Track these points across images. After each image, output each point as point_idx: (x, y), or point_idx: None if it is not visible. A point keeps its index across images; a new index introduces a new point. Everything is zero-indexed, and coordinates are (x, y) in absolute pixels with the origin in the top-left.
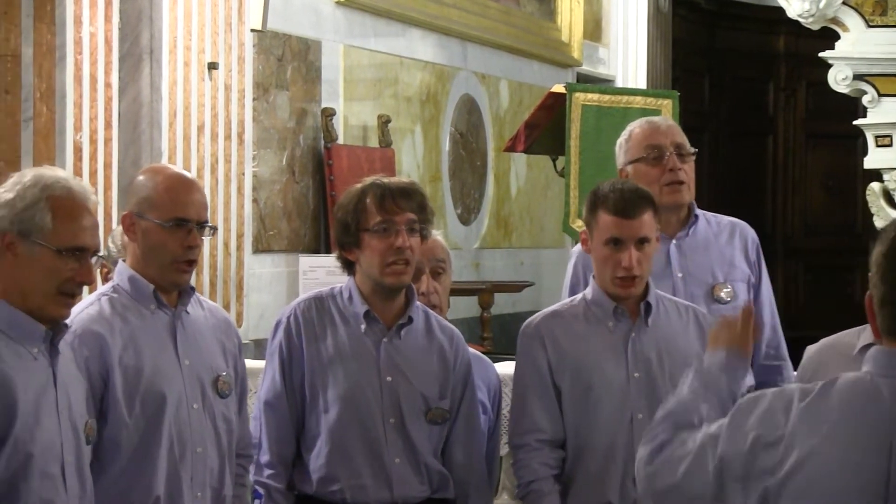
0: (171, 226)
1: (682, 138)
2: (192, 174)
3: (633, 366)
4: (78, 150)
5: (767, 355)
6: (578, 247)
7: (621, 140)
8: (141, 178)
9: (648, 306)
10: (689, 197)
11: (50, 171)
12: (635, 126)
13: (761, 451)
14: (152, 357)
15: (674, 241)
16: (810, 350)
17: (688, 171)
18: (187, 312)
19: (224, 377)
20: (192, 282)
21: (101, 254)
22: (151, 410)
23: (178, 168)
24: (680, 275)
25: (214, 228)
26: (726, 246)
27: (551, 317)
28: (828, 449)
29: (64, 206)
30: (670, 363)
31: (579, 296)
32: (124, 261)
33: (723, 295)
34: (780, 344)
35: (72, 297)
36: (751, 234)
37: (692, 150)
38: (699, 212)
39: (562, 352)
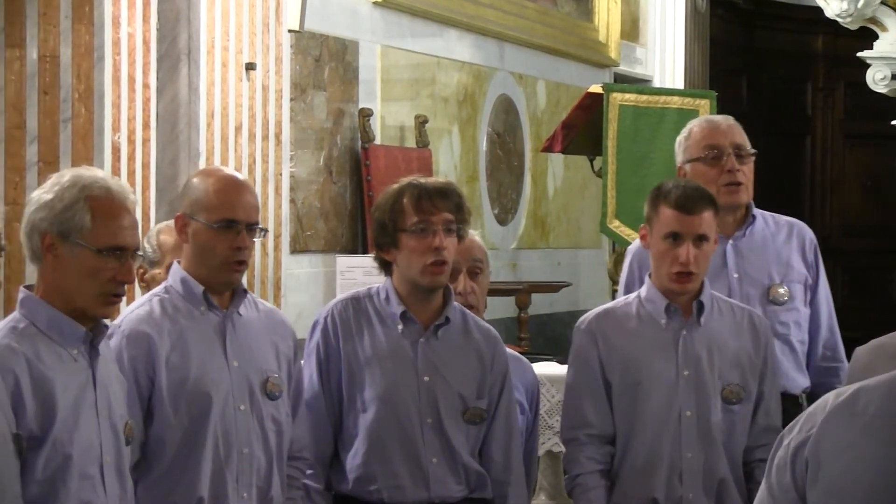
0: (219, 227)
1: (742, 139)
2: (244, 177)
3: (683, 364)
4: (116, 150)
5: (824, 356)
6: (635, 243)
7: (680, 138)
8: (194, 180)
9: (701, 305)
10: (747, 198)
11: (88, 172)
12: (695, 124)
13: (798, 453)
14: (199, 358)
15: (730, 242)
16: (859, 351)
17: (746, 172)
18: (239, 314)
19: (274, 379)
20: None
21: (140, 253)
22: (196, 411)
23: (230, 170)
24: (736, 275)
25: (265, 230)
26: (783, 246)
27: (605, 314)
28: (864, 444)
29: (103, 205)
30: (720, 363)
31: (634, 294)
32: (178, 262)
33: (779, 296)
34: (837, 345)
35: (114, 296)
36: (809, 234)
37: (751, 150)
38: (757, 212)
39: (613, 348)
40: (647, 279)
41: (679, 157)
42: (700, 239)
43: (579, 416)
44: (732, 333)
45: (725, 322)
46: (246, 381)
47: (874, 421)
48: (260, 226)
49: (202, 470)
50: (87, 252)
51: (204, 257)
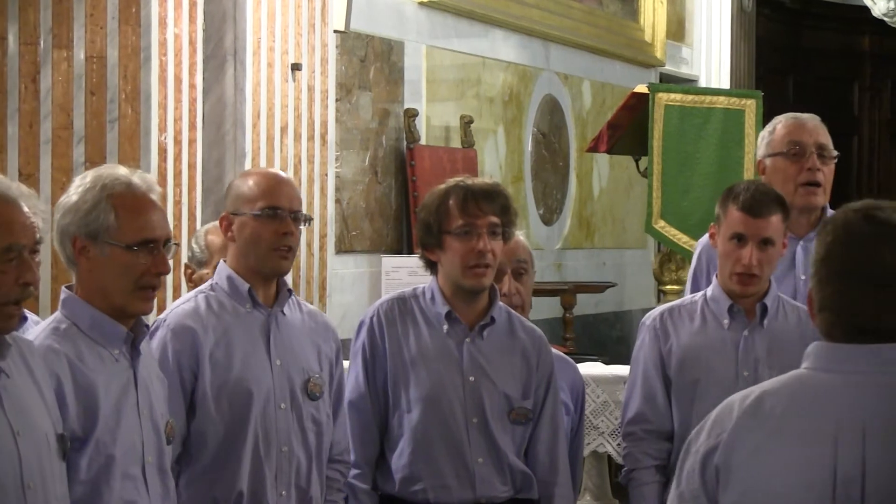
0: (264, 215)
1: (827, 139)
2: (284, 173)
3: (743, 364)
4: (162, 150)
5: None
6: (704, 238)
7: (764, 132)
8: (236, 181)
9: (765, 308)
10: (824, 200)
11: (108, 170)
12: (781, 120)
13: (707, 460)
14: (243, 355)
15: (801, 243)
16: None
17: (826, 174)
18: (283, 313)
19: (315, 379)
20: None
21: (175, 242)
22: (238, 407)
23: (273, 169)
24: (804, 277)
25: (310, 218)
26: None
27: (670, 311)
28: (773, 446)
29: (125, 202)
30: (781, 365)
31: (700, 293)
32: (224, 261)
33: None
34: None
35: (151, 289)
36: None
37: (835, 153)
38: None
39: (674, 345)
40: (714, 279)
41: (760, 151)
42: (765, 243)
43: (638, 411)
44: (795, 336)
45: (789, 325)
46: (288, 380)
47: (781, 422)
48: (304, 213)
49: (242, 465)
50: (117, 250)
51: (252, 248)
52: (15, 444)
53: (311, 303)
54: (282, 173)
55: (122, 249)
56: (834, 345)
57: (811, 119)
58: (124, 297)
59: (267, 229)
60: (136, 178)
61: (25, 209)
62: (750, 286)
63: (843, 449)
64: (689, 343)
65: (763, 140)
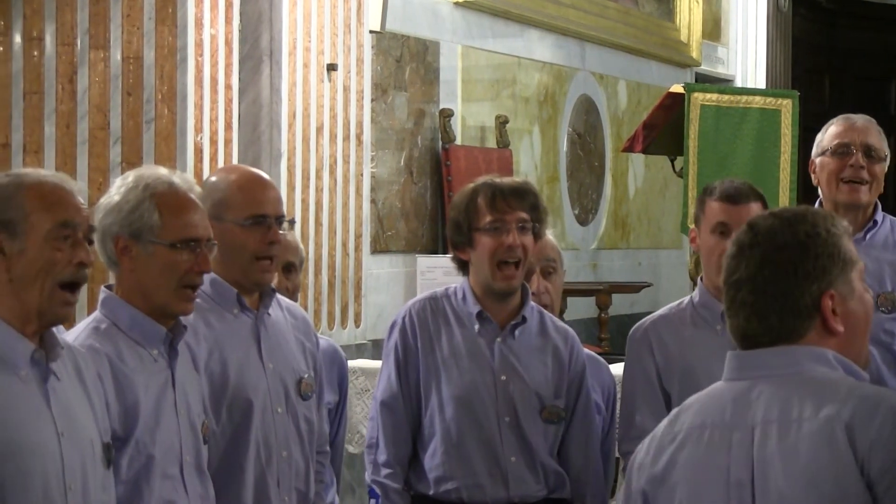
0: (249, 224)
1: (876, 140)
2: (263, 172)
3: None
4: (198, 151)
5: None
6: None
7: (819, 135)
8: (213, 179)
9: None
10: (868, 198)
11: (150, 170)
12: (834, 121)
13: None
14: (238, 363)
15: None
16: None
17: (875, 173)
18: (269, 315)
19: (307, 379)
20: (311, 282)
21: (213, 241)
22: (238, 417)
23: (248, 167)
24: None
25: (292, 221)
26: None
27: (659, 321)
28: (680, 457)
29: (168, 201)
30: None
31: (687, 298)
32: None
33: (888, 303)
34: None
35: (193, 288)
36: None
37: (885, 153)
38: (882, 216)
39: (669, 357)
40: (699, 282)
41: (813, 152)
42: None
43: (638, 428)
44: None
45: None
46: (281, 383)
47: (687, 435)
48: (287, 218)
49: (246, 476)
50: (160, 248)
51: (235, 256)
52: (59, 444)
53: (347, 303)
54: (262, 174)
55: (165, 248)
56: (730, 353)
57: (862, 119)
58: (167, 296)
59: (252, 238)
60: (177, 178)
61: (80, 198)
62: None
63: (735, 453)
64: (685, 354)
65: (816, 142)
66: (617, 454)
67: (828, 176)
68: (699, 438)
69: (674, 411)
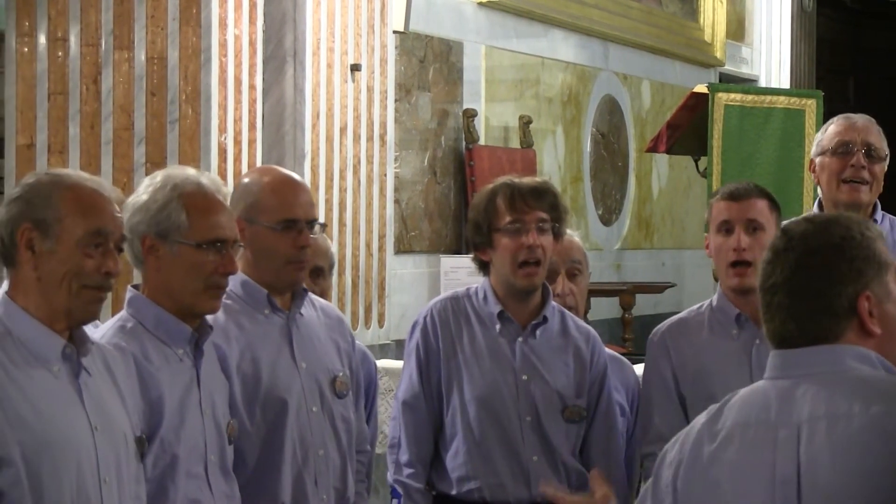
0: (281, 228)
1: (876, 139)
2: (297, 175)
3: (757, 375)
4: (222, 151)
5: None
6: None
7: (818, 134)
8: (245, 181)
9: None
10: (868, 198)
11: (179, 170)
12: (834, 120)
13: (675, 474)
14: (270, 363)
15: None
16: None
17: (875, 173)
18: (301, 314)
19: (341, 377)
20: (335, 283)
21: (240, 243)
22: (272, 417)
23: (282, 168)
24: None
25: (324, 225)
26: None
27: (676, 325)
28: (727, 453)
29: (196, 202)
30: None
31: (706, 302)
32: None
33: None
34: None
35: (219, 289)
36: None
37: (885, 153)
38: (882, 215)
39: (685, 360)
40: (717, 287)
41: (812, 151)
42: (753, 227)
43: (655, 432)
44: None
45: None
46: (315, 382)
47: (730, 432)
48: (319, 221)
49: (283, 476)
50: (187, 248)
51: (267, 259)
52: (93, 438)
53: (371, 303)
54: (295, 176)
55: (191, 248)
56: (773, 352)
57: (862, 118)
58: (193, 296)
59: (284, 243)
60: (205, 178)
61: (115, 206)
62: (745, 277)
63: (780, 451)
64: (699, 357)
65: (816, 141)
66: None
67: (828, 176)
68: (743, 436)
69: (711, 409)
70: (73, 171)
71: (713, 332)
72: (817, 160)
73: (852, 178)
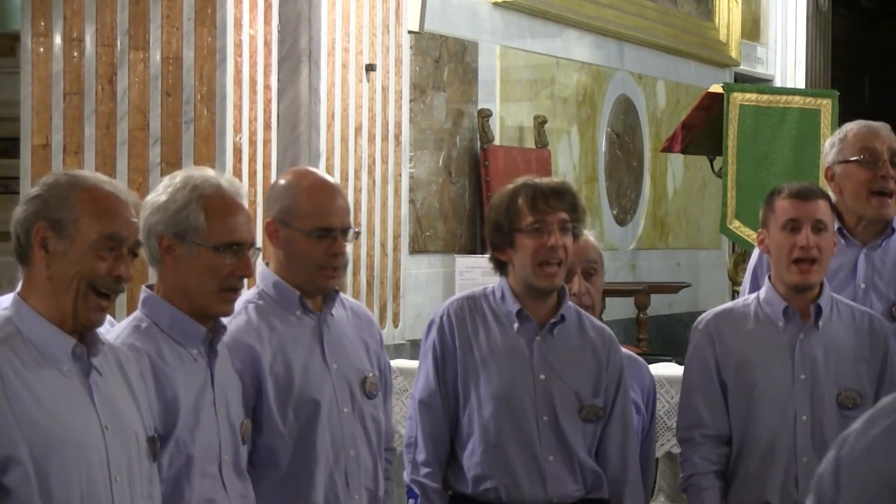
0: (316, 236)
1: None
2: (332, 178)
3: (800, 367)
4: (237, 151)
5: None
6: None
7: (834, 138)
8: (282, 182)
9: (819, 309)
10: (893, 210)
11: (198, 171)
12: (852, 126)
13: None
14: (302, 365)
15: (864, 250)
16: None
17: None
18: (332, 315)
19: (371, 378)
20: (349, 283)
21: (258, 247)
22: (305, 418)
23: (319, 172)
24: (863, 285)
25: (358, 233)
26: None
27: (722, 314)
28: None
29: (215, 204)
30: (837, 367)
31: (754, 295)
32: (267, 264)
33: None
34: None
35: (233, 291)
36: None
37: None
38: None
39: (729, 348)
40: (766, 281)
41: (829, 157)
42: (819, 227)
43: (695, 416)
44: (851, 337)
45: (844, 325)
46: (346, 383)
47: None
48: (354, 229)
49: (316, 477)
50: (204, 250)
51: (299, 264)
52: (103, 437)
53: (385, 303)
54: (330, 180)
55: (208, 250)
56: None
57: (884, 127)
58: (207, 298)
59: (318, 250)
60: (224, 180)
61: (132, 210)
62: (810, 274)
63: None
64: (744, 347)
65: (833, 147)
66: (658, 455)
67: (855, 186)
68: None
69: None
70: (92, 172)
71: (759, 323)
72: (837, 168)
73: (882, 190)
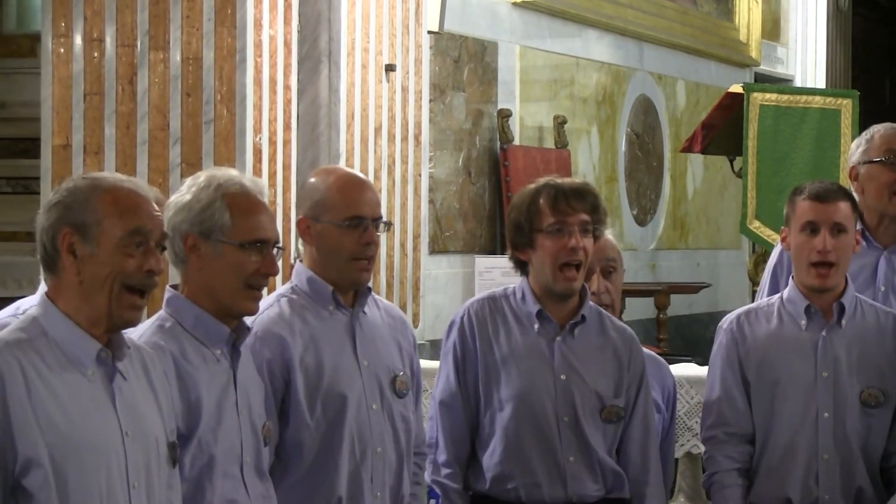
0: (347, 225)
1: None
2: (361, 174)
3: (822, 365)
4: (257, 151)
5: None
6: (779, 246)
7: (860, 139)
8: (312, 180)
9: (842, 307)
10: None
11: (222, 171)
12: (879, 128)
13: None
14: (332, 358)
15: (885, 253)
16: None
17: None
18: (364, 313)
19: (401, 377)
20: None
21: (280, 245)
22: (333, 412)
23: (347, 168)
24: (882, 288)
25: (389, 224)
26: None
27: (746, 313)
28: None
29: (240, 202)
30: (860, 366)
31: (777, 295)
32: (301, 261)
33: None
34: None
35: (258, 289)
36: None
37: None
38: None
39: (752, 347)
40: (790, 280)
41: (854, 157)
42: (837, 229)
43: (719, 415)
44: (874, 336)
45: (868, 324)
46: (376, 380)
47: None
48: (384, 220)
49: (340, 471)
50: (229, 248)
51: (332, 257)
52: (122, 443)
53: (405, 303)
54: (361, 175)
55: (234, 248)
56: None
57: None
58: (232, 296)
59: (349, 239)
60: (248, 180)
61: (154, 204)
62: (828, 278)
63: None
64: (766, 345)
65: (859, 147)
66: (678, 455)
67: (878, 186)
68: None
69: None
70: (110, 173)
71: (782, 322)
72: (862, 169)
73: None
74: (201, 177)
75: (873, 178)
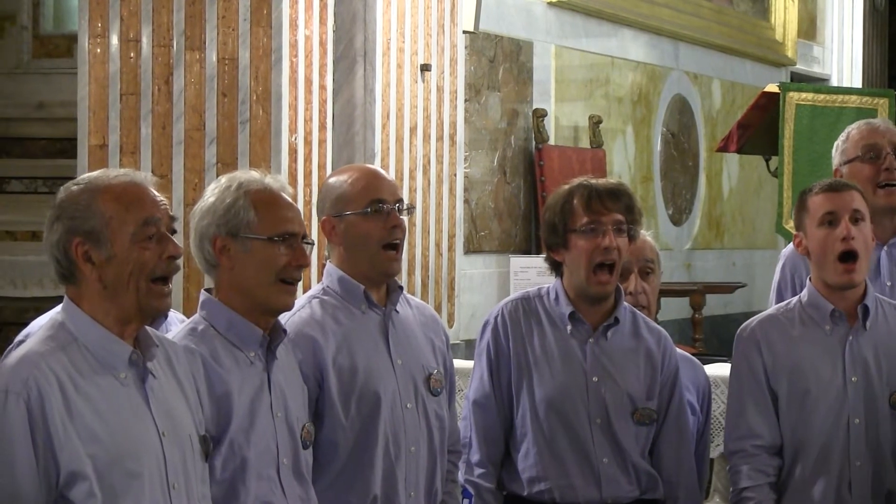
0: (370, 212)
1: None
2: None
3: (851, 370)
4: (293, 151)
5: None
6: (788, 248)
7: (838, 141)
8: (330, 181)
9: (866, 309)
10: None
11: (242, 172)
12: (853, 127)
13: None
14: (366, 357)
15: (885, 248)
16: None
17: None
18: (397, 311)
19: (435, 375)
20: (404, 282)
21: (309, 241)
22: (367, 411)
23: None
24: (889, 283)
25: (412, 207)
26: None
27: (767, 321)
28: None
29: (263, 198)
30: (888, 367)
31: (795, 299)
32: (330, 261)
33: None
34: None
35: (292, 283)
36: None
37: None
38: None
39: (778, 356)
40: (807, 283)
41: (836, 160)
42: (857, 217)
43: (746, 427)
44: None
45: (891, 325)
46: (411, 378)
47: None
48: (408, 203)
49: (375, 470)
50: (258, 243)
51: (360, 248)
52: (161, 444)
53: (440, 303)
54: (376, 167)
55: (263, 242)
56: None
57: (883, 122)
58: (266, 291)
59: (375, 225)
60: (269, 178)
61: (154, 190)
62: (855, 273)
63: None
64: (794, 353)
65: (837, 150)
66: (713, 455)
67: (861, 182)
68: None
69: None
70: (102, 171)
71: (806, 328)
72: (844, 169)
73: (887, 181)
74: (222, 179)
75: (856, 174)
